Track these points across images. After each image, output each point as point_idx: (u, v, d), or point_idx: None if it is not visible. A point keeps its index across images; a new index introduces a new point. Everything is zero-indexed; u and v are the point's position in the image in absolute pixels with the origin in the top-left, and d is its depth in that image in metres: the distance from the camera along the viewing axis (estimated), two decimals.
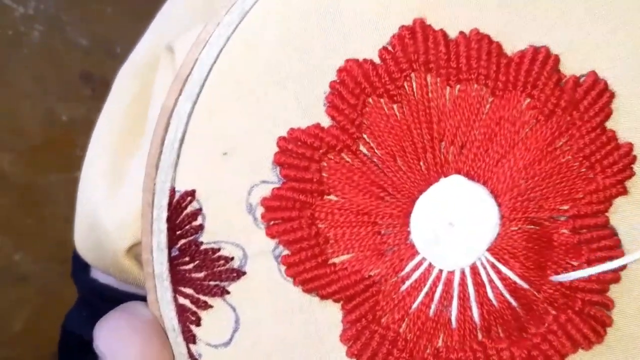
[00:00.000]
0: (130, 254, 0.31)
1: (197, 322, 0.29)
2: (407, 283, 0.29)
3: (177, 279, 0.29)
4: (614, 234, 0.29)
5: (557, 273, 0.29)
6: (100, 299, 0.36)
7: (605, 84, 0.28)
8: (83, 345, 0.30)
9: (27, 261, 0.94)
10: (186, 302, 0.29)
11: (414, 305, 0.29)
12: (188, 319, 0.29)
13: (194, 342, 0.29)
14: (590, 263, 0.28)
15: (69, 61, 1.02)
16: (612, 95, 0.28)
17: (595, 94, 0.28)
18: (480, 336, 0.29)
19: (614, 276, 0.29)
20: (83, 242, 0.32)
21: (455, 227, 0.28)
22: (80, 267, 0.36)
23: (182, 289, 0.29)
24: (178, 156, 0.28)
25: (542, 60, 0.28)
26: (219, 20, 0.28)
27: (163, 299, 0.28)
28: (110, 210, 0.30)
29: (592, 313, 0.29)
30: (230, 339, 0.29)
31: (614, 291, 0.29)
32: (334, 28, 0.28)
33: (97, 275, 0.36)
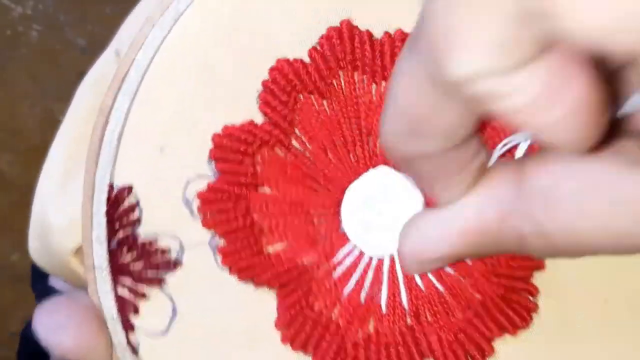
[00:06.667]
0: (79, 255, 0.32)
1: (135, 312, 0.30)
2: (339, 270, 0.30)
3: (116, 271, 0.30)
4: None
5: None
6: None
7: None
8: (43, 353, 0.31)
9: (24, 262, 0.96)
10: (124, 292, 0.30)
11: (346, 292, 0.30)
12: (127, 309, 0.30)
13: (133, 331, 0.30)
14: None
15: (67, 61, 1.03)
16: None
17: None
18: (409, 321, 0.30)
19: (538, 264, 0.30)
20: (34, 242, 0.33)
21: (383, 215, 0.30)
22: (38, 276, 0.37)
23: (121, 279, 0.30)
24: (116, 152, 0.29)
25: None
26: (154, 22, 0.29)
27: (102, 290, 0.30)
28: (60, 209, 0.31)
29: (517, 299, 0.30)
30: (168, 328, 0.30)
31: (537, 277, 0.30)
32: (265, 28, 0.29)
33: (55, 283, 0.37)
